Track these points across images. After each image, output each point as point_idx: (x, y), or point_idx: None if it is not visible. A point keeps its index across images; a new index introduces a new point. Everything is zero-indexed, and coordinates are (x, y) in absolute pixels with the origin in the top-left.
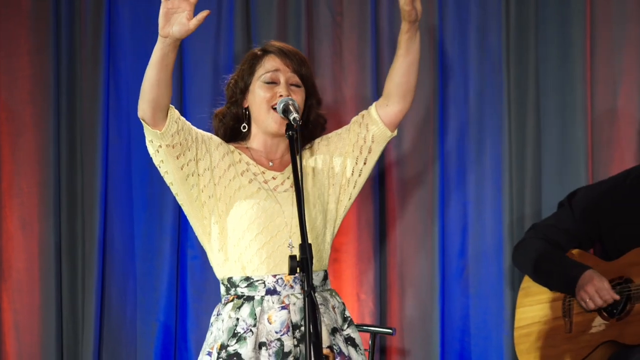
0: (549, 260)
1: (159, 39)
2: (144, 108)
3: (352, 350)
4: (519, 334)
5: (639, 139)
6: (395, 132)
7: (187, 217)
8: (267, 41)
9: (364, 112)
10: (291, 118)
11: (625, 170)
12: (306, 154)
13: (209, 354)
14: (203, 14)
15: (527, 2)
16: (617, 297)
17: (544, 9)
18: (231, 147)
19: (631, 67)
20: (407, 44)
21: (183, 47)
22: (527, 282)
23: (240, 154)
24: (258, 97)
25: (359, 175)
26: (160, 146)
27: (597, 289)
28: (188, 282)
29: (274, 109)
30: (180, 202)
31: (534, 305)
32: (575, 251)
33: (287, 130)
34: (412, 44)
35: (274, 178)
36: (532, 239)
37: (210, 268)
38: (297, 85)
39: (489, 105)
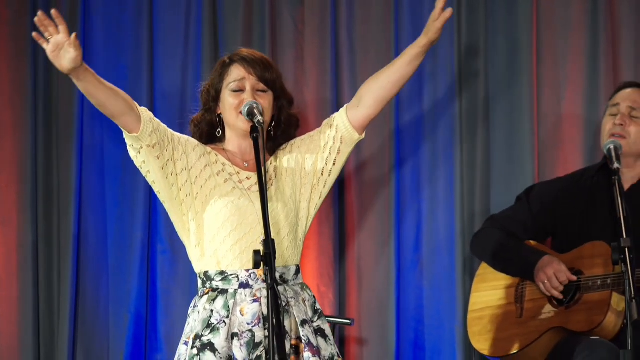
0: (507, 248)
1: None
2: (114, 119)
3: (321, 340)
4: (472, 317)
5: (583, 140)
6: (363, 135)
7: (169, 214)
8: (236, 48)
9: (334, 115)
10: (255, 121)
11: (580, 170)
12: (279, 154)
13: (186, 343)
14: (73, 35)
15: (477, 12)
16: (574, 277)
17: (494, 19)
18: (208, 148)
19: (575, 73)
20: (413, 59)
21: (154, 52)
22: (483, 269)
23: (216, 155)
24: (227, 105)
25: (329, 175)
26: (141, 147)
27: (555, 271)
28: (158, 275)
29: (241, 113)
30: (161, 200)
31: (488, 291)
32: (529, 242)
33: (251, 132)
34: (417, 60)
35: (248, 178)
36: (490, 229)
37: (179, 262)
38: (263, 91)
39: (441, 109)
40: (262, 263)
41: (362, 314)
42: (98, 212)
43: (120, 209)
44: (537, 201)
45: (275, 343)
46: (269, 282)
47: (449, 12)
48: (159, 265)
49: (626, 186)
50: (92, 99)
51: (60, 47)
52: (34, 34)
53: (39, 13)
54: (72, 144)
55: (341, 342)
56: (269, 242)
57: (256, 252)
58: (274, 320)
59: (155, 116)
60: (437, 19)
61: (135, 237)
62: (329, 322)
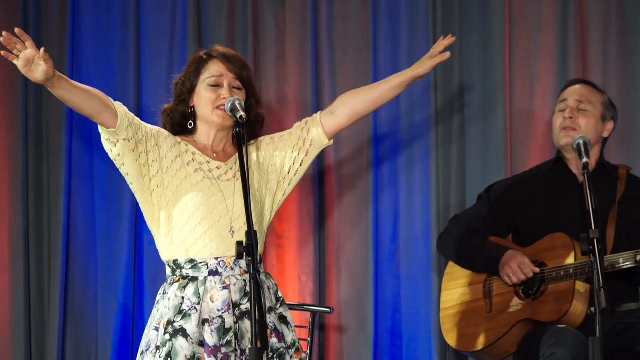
0: (471, 246)
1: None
2: (92, 119)
3: (284, 327)
4: (444, 314)
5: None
6: (331, 142)
7: (140, 205)
8: (212, 46)
9: (307, 119)
10: (238, 116)
11: (537, 166)
12: (250, 149)
13: (156, 329)
14: (42, 50)
15: (452, 12)
16: (537, 269)
17: (468, 19)
18: (178, 139)
19: (545, 71)
20: (397, 86)
21: (141, 50)
22: (451, 268)
23: (187, 145)
24: (204, 99)
25: (295, 174)
26: (117, 141)
27: (519, 264)
28: (144, 265)
29: (218, 108)
30: (133, 190)
31: (458, 289)
32: (493, 238)
33: (234, 127)
34: (400, 89)
35: (218, 168)
36: (454, 228)
37: None
38: (239, 88)
39: (418, 106)
40: (244, 254)
41: (342, 302)
42: (87, 206)
43: (108, 203)
44: (497, 198)
45: (257, 330)
46: (252, 272)
47: (446, 55)
48: (145, 256)
49: (580, 178)
50: (68, 104)
51: (31, 61)
52: (3, 52)
53: (4, 34)
54: (62, 140)
55: (321, 330)
56: (251, 234)
57: (239, 243)
58: (257, 309)
59: (142, 114)
60: (434, 57)
61: (122, 229)
62: (309, 310)
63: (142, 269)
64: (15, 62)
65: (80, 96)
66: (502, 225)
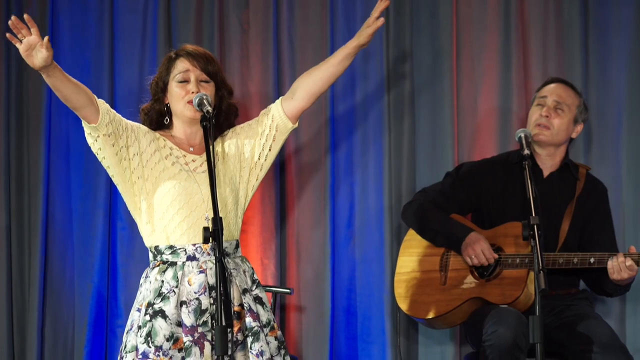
0: (436, 220)
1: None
2: (76, 112)
3: (259, 307)
4: (399, 279)
5: (496, 128)
6: (296, 124)
7: (122, 195)
8: (181, 45)
9: (270, 105)
10: (205, 110)
11: (505, 152)
12: (223, 140)
13: (139, 310)
14: (46, 38)
15: (403, 16)
16: (496, 255)
17: (418, 22)
18: (157, 134)
19: (490, 68)
20: (343, 58)
21: (114, 50)
22: (410, 236)
23: (164, 140)
24: (175, 95)
25: (265, 159)
26: (98, 136)
27: (482, 249)
28: (118, 249)
29: (189, 102)
30: (115, 183)
31: (414, 257)
32: (455, 215)
33: (202, 121)
34: (347, 60)
35: (193, 161)
36: (421, 200)
37: (136, 237)
38: (206, 81)
39: (372, 101)
40: (210, 239)
41: (301, 284)
42: (64, 194)
43: (83, 191)
44: (464, 178)
45: (222, 309)
46: (217, 255)
47: (381, 21)
48: (118, 241)
49: (545, 173)
50: (58, 93)
51: (33, 47)
52: (8, 34)
53: (13, 17)
54: (41, 134)
55: (282, 309)
56: (217, 219)
57: (205, 229)
58: (222, 289)
59: (116, 108)
60: (370, 25)
61: (97, 215)
62: (271, 291)
63: (116, 253)
64: (17, 45)
65: (70, 88)
66: (465, 204)
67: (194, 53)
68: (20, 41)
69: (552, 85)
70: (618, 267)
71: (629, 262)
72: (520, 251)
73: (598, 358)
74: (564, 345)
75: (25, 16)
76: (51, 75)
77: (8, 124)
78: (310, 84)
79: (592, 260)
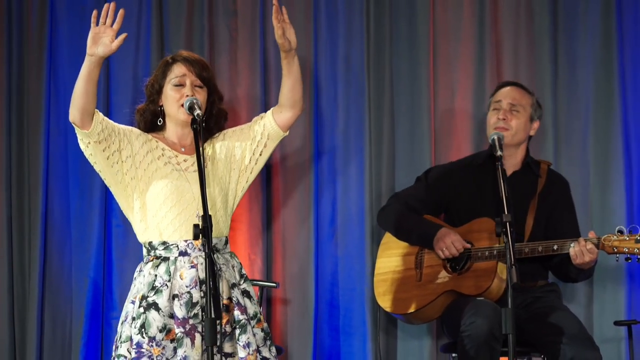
0: (409, 221)
1: (87, 57)
2: (74, 113)
3: (247, 301)
4: (378, 279)
5: (471, 131)
6: (287, 133)
7: (115, 196)
8: (177, 51)
9: (263, 114)
10: (195, 114)
11: (470, 155)
12: (214, 142)
13: (133, 302)
14: (123, 36)
15: (383, 25)
16: (468, 245)
17: (397, 31)
18: (149, 136)
19: (465, 75)
20: (287, 68)
21: (109, 57)
22: (387, 239)
23: (157, 141)
24: (170, 97)
25: (255, 163)
26: (89, 142)
27: (452, 240)
28: (113, 245)
29: (183, 106)
30: (107, 184)
31: (392, 257)
32: (427, 216)
33: (192, 124)
34: (291, 67)
35: (185, 161)
36: (394, 205)
37: (130, 234)
38: (200, 87)
39: (353, 107)
40: (200, 235)
41: (286, 278)
42: (62, 192)
43: (81, 189)
44: (433, 181)
45: (211, 302)
46: (207, 251)
47: (279, 22)
48: (113, 237)
49: (509, 172)
50: (79, 87)
51: (101, 36)
52: (95, 11)
53: (112, 4)
54: (40, 134)
55: (268, 302)
56: (206, 217)
57: (195, 226)
58: (211, 283)
59: (111, 111)
60: (277, 30)
61: (93, 213)
62: (257, 285)
63: (111, 248)
64: (93, 25)
65: (93, 88)
66: (436, 205)
67: (190, 59)
68: (97, 25)
69: (505, 89)
70: (580, 251)
71: (590, 245)
72: (488, 245)
73: (566, 348)
74: (535, 336)
75: (121, 11)
76: (94, 67)
77: (9, 124)
78: (286, 100)
79: (555, 247)
